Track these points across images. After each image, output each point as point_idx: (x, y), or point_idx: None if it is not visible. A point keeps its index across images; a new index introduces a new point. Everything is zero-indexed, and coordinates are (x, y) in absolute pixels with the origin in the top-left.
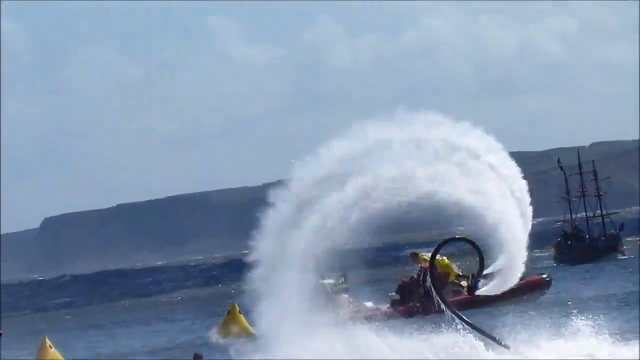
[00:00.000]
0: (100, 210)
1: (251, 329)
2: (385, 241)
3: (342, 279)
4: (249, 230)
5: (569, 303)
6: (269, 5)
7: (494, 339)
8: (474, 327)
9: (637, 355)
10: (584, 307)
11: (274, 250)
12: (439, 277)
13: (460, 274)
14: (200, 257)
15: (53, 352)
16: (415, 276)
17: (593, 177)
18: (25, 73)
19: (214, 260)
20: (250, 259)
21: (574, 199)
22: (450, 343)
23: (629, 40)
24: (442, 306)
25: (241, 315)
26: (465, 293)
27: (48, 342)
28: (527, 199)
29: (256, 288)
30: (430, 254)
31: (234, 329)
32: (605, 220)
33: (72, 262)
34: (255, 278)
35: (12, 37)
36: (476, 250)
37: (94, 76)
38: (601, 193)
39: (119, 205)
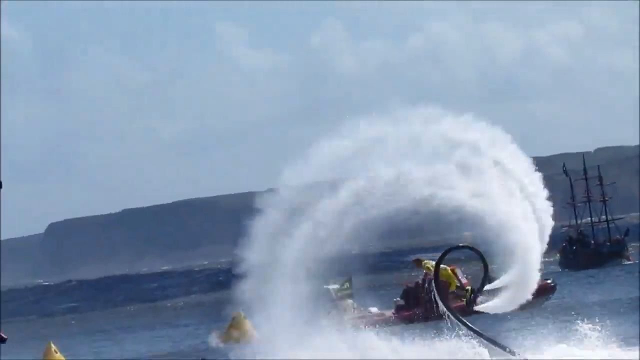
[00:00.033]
0: (105, 215)
1: (255, 334)
2: (390, 246)
3: (347, 285)
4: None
5: (574, 309)
6: (274, 10)
7: (500, 345)
8: (479, 334)
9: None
10: (589, 312)
11: (264, 260)
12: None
13: (460, 284)
14: (206, 263)
15: (58, 356)
16: (420, 281)
17: (598, 183)
18: (30, 76)
19: (219, 266)
20: (239, 269)
21: (579, 205)
22: (454, 349)
23: (634, 46)
24: (448, 314)
25: (246, 321)
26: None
27: (53, 346)
28: (542, 193)
29: (247, 299)
30: (433, 262)
31: (237, 334)
32: (610, 225)
33: (76, 268)
34: (245, 289)
35: (16, 40)
36: (481, 259)
37: (98, 80)
38: (606, 198)
39: (123, 211)
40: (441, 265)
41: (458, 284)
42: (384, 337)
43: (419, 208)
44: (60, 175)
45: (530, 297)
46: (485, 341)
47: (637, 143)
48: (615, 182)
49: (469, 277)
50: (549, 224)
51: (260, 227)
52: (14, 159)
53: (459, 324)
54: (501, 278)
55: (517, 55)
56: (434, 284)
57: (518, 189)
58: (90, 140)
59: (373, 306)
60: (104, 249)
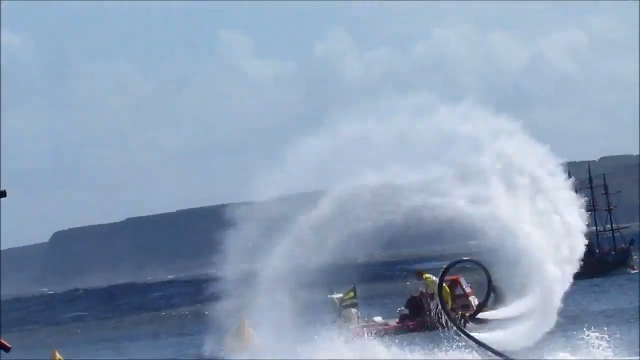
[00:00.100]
0: (110, 224)
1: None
2: (395, 255)
3: (351, 294)
4: (258, 244)
5: (579, 318)
6: (279, 19)
7: (504, 357)
8: (484, 346)
9: None
10: (593, 321)
11: (241, 276)
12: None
13: (464, 293)
14: (211, 271)
15: None
16: (424, 290)
17: (603, 192)
18: (34, 85)
19: (223, 274)
20: (215, 287)
21: None
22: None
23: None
24: (452, 326)
25: (250, 329)
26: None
27: (58, 355)
28: (566, 193)
29: (226, 316)
30: (433, 276)
31: (241, 342)
32: (615, 234)
33: (81, 276)
34: (222, 308)
35: (20, 48)
36: (484, 272)
37: (103, 89)
38: (611, 207)
39: (127, 219)
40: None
41: (461, 293)
42: (387, 346)
43: (409, 220)
44: (65, 184)
45: (551, 324)
46: (490, 353)
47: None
48: (620, 191)
49: (473, 286)
50: (579, 230)
51: (235, 242)
52: (18, 168)
53: (463, 335)
54: (514, 305)
55: (522, 64)
56: (437, 298)
57: (530, 187)
58: (94, 149)
59: (377, 315)
60: (107, 257)
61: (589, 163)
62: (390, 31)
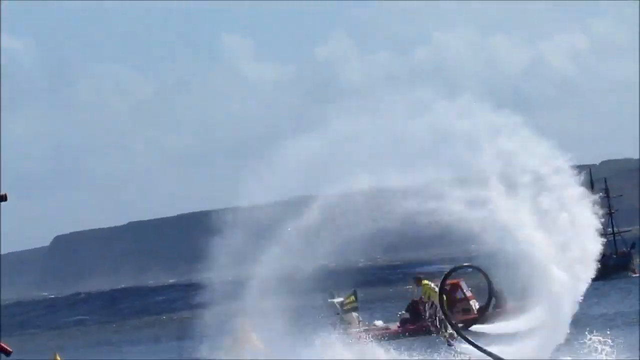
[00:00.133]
0: (110, 228)
1: (260, 346)
2: (397, 259)
3: (352, 298)
4: (260, 248)
5: (580, 321)
6: (280, 23)
7: None
8: (484, 351)
9: None
10: (594, 324)
11: (228, 283)
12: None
13: (464, 297)
14: (212, 275)
15: None
16: (421, 297)
17: (605, 195)
18: (35, 89)
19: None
20: (201, 296)
21: None
22: None
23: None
24: (453, 332)
25: (252, 333)
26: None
27: (59, 358)
28: (571, 181)
29: (227, 320)
30: (432, 283)
31: (242, 346)
32: (616, 238)
33: (82, 280)
34: (222, 313)
35: (20, 51)
36: (485, 277)
37: (103, 92)
38: (612, 211)
39: (129, 223)
40: (436, 290)
41: (462, 297)
42: (386, 350)
43: (403, 226)
44: (66, 188)
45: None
46: (490, 358)
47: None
48: (621, 195)
49: (473, 290)
50: (591, 227)
51: (222, 249)
52: (19, 172)
53: (464, 340)
54: (520, 319)
55: (522, 67)
56: (439, 305)
57: (533, 186)
58: (95, 153)
59: (378, 319)
60: (108, 261)
61: (589, 167)
62: (390, 34)
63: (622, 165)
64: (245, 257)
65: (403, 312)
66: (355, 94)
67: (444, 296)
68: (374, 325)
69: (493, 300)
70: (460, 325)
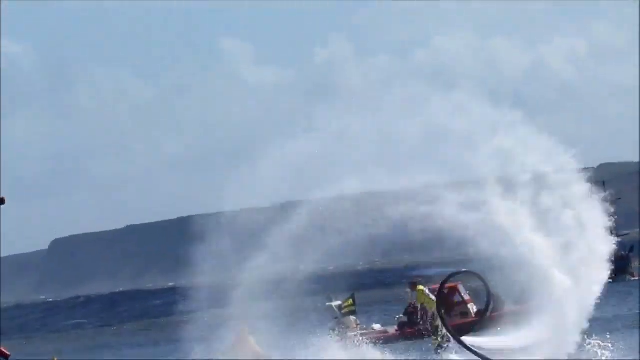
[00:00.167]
0: (109, 231)
1: (260, 351)
2: (395, 262)
3: (350, 301)
4: (254, 252)
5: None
6: (279, 26)
7: None
8: (481, 356)
9: None
10: (593, 328)
11: (225, 287)
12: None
13: (462, 300)
14: (210, 280)
15: None
16: (414, 302)
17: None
18: (34, 92)
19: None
20: (188, 302)
21: None
22: None
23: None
24: (450, 337)
25: (250, 337)
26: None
27: None
28: (575, 178)
29: (226, 324)
30: (427, 290)
31: (241, 350)
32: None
33: (81, 284)
34: (222, 316)
35: (20, 55)
36: (482, 282)
37: (103, 96)
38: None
39: (127, 227)
40: (431, 296)
41: (459, 300)
42: (382, 353)
43: (395, 232)
44: (64, 191)
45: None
46: None
47: (639, 159)
48: (620, 198)
49: (471, 293)
50: (599, 225)
51: (207, 256)
52: (17, 175)
53: (461, 346)
54: (521, 332)
55: (522, 70)
56: (435, 312)
57: (534, 185)
58: (94, 156)
59: (376, 322)
60: (107, 265)
61: (588, 170)
62: (390, 38)
63: (621, 169)
64: (238, 261)
65: (401, 315)
66: (353, 95)
67: (441, 300)
68: (372, 328)
69: (491, 305)
70: (459, 325)
